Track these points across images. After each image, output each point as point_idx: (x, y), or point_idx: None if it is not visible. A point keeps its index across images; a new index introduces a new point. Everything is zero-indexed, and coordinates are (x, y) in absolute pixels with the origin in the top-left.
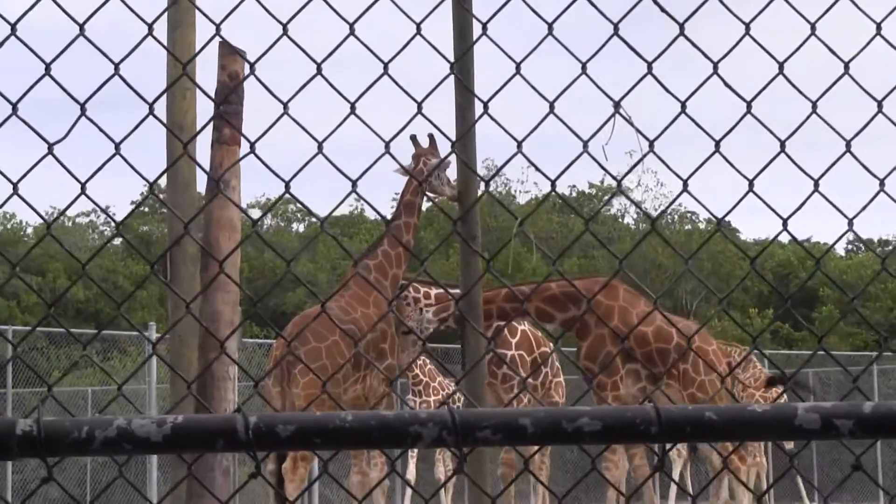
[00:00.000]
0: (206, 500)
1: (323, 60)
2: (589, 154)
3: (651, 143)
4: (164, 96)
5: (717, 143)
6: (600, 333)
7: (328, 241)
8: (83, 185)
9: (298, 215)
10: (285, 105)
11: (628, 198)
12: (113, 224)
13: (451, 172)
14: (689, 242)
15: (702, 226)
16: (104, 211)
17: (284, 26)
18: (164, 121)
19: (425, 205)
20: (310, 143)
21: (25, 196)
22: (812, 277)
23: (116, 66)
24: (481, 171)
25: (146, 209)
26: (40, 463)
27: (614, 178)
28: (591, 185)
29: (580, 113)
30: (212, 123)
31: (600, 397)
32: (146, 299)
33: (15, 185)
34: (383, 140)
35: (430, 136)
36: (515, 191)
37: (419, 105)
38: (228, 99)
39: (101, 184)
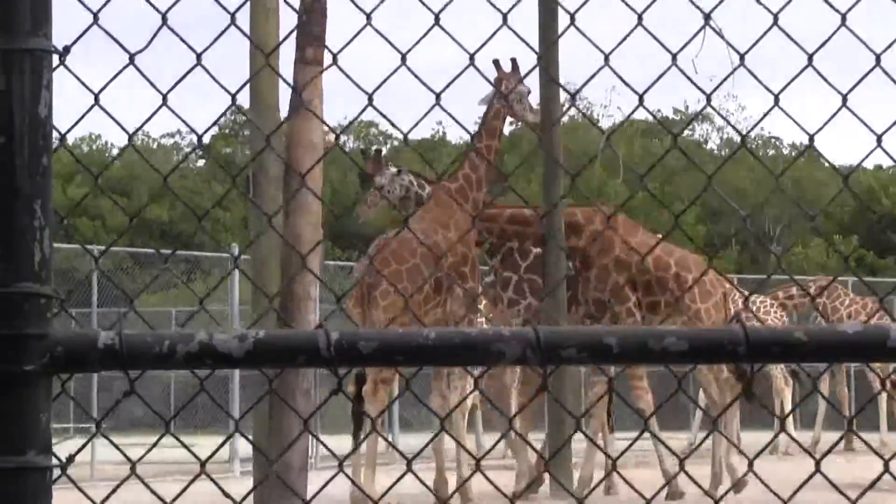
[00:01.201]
0: (287, 420)
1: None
2: (678, 67)
3: (742, 57)
4: (248, 18)
5: (811, 57)
6: (604, 263)
7: (409, 161)
8: (164, 96)
9: (380, 138)
10: (368, 16)
11: (718, 113)
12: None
13: (533, 99)
14: (774, 168)
15: (785, 151)
16: (186, 123)
17: None
18: (248, 41)
19: (507, 128)
20: (391, 65)
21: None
22: None
23: None
24: (562, 95)
25: (228, 131)
26: (125, 381)
27: (703, 91)
28: (676, 111)
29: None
30: (295, 43)
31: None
32: (229, 221)
33: (96, 96)
34: (468, 52)
35: (513, 60)
36: (598, 115)
37: (505, 16)
38: (311, 19)
39: (185, 106)
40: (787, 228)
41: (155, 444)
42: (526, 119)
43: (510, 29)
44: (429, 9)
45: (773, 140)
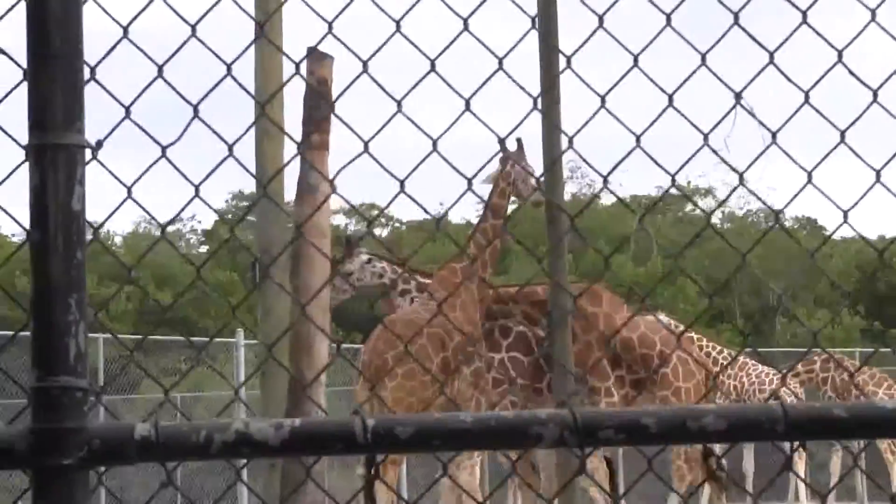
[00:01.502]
0: (300, 501)
1: (436, 57)
2: (710, 147)
3: (774, 135)
4: (253, 103)
5: (843, 134)
6: (587, 340)
7: (412, 245)
8: (197, 188)
9: (382, 220)
10: (399, 103)
11: (751, 191)
12: (199, 232)
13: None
14: (778, 241)
15: (787, 223)
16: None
17: (398, 23)
18: (254, 128)
19: (510, 208)
20: (380, 145)
21: (112, 202)
22: None
23: (229, 66)
24: (565, 172)
25: (231, 216)
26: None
27: (735, 170)
28: (679, 187)
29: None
30: (301, 130)
31: (594, 403)
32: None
33: (129, 189)
34: (431, 138)
35: (518, 140)
36: (601, 192)
37: (466, 101)
38: (317, 104)
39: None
40: (793, 300)
41: None
42: (529, 198)
43: (473, 114)
44: (459, 94)
45: (776, 214)
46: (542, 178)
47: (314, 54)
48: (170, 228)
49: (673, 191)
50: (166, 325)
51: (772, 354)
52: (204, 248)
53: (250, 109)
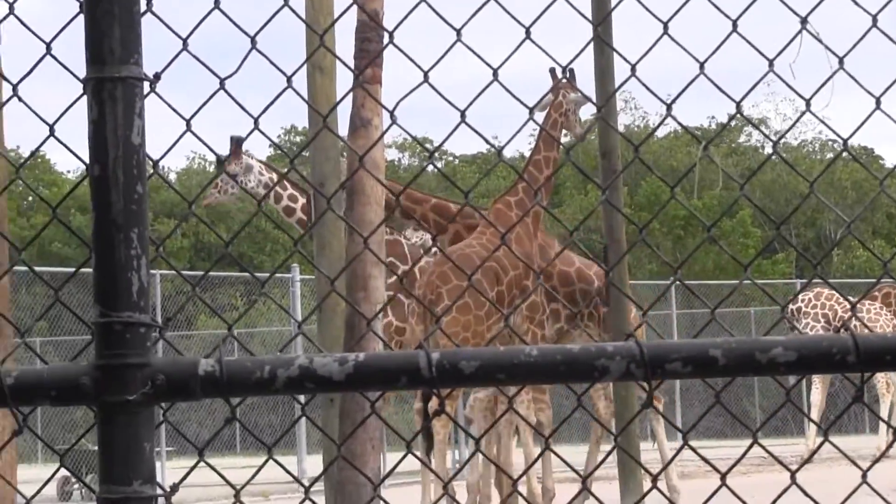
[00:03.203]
0: (358, 437)
1: None
2: (775, 73)
3: (841, 60)
4: (304, 40)
5: None
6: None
7: (466, 178)
8: (256, 120)
9: (436, 154)
10: (458, 31)
11: (819, 118)
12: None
13: (585, 111)
14: (833, 171)
15: (845, 154)
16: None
17: None
18: (305, 61)
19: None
20: (435, 77)
21: (166, 137)
22: None
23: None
24: (619, 103)
25: (286, 151)
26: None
27: (802, 97)
28: (730, 116)
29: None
30: (352, 62)
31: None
32: (289, 242)
33: (188, 122)
34: (491, 67)
35: (570, 70)
36: (653, 124)
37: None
38: (369, 37)
39: (236, 127)
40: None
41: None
42: (573, 131)
43: (534, 43)
44: (520, 23)
45: (830, 143)
46: (597, 110)
47: None
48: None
49: (725, 121)
50: (222, 261)
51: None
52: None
53: (296, 44)
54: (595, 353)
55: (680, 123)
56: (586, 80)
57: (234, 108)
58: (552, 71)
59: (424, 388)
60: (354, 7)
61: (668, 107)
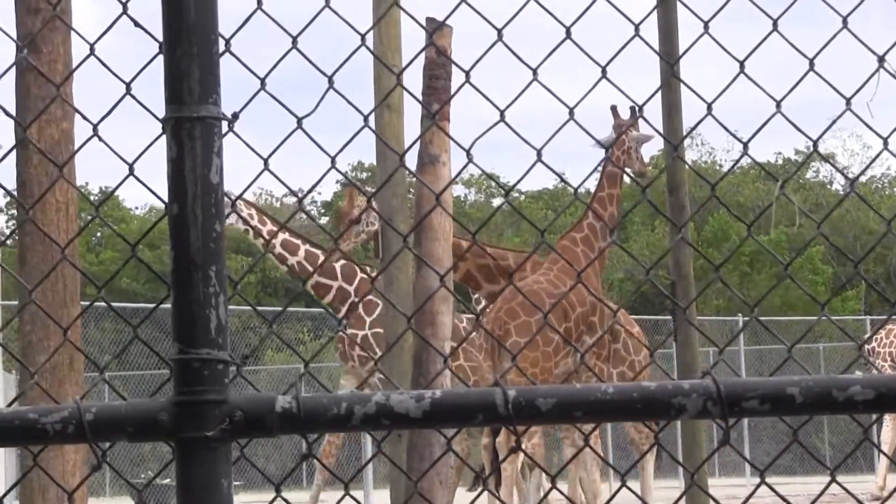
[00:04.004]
0: (426, 473)
1: (572, 24)
2: (852, 112)
3: None
4: (372, 75)
5: None
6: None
7: (534, 214)
8: (333, 159)
9: (502, 190)
10: (534, 70)
11: (827, 160)
12: (319, 203)
13: (646, 149)
14: None
15: None
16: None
17: None
18: (373, 98)
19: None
20: (488, 115)
21: (238, 174)
22: None
23: (363, 36)
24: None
25: (358, 187)
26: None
27: (880, 136)
28: (797, 152)
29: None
30: (420, 99)
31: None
32: None
33: (266, 161)
34: (567, 106)
35: (632, 108)
36: (721, 160)
37: (603, 69)
38: (436, 74)
39: (305, 163)
40: None
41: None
42: (633, 168)
43: (609, 81)
44: (598, 61)
45: None
46: (662, 147)
47: (433, 24)
48: (289, 200)
49: (794, 157)
50: (288, 297)
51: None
52: (323, 220)
53: (356, 79)
54: (671, 391)
55: (756, 162)
56: (653, 116)
57: (299, 145)
58: (613, 108)
59: (501, 424)
60: (421, 43)
61: (745, 145)
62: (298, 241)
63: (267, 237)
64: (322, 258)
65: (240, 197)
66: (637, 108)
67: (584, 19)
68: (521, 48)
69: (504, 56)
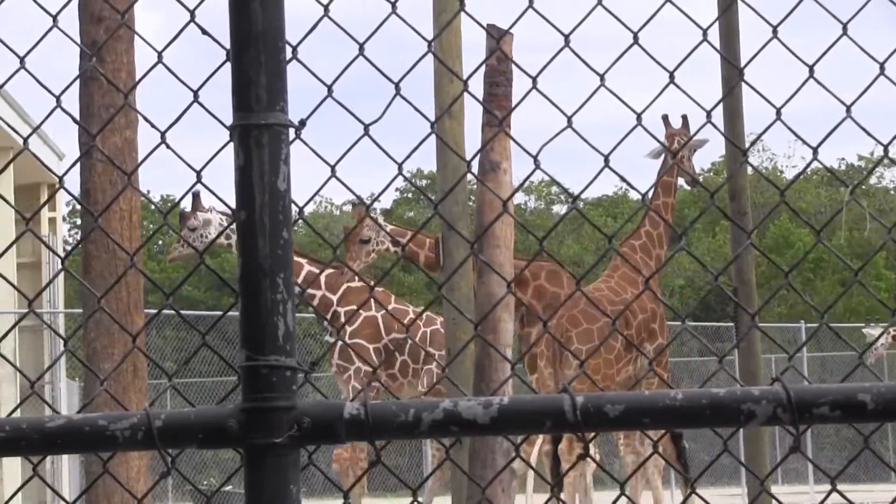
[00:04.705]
0: (488, 480)
1: (639, 30)
2: None
3: None
4: (433, 80)
5: None
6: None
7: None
8: (400, 165)
9: (562, 197)
10: (602, 76)
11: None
12: (378, 210)
13: (706, 154)
14: None
15: None
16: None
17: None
18: (432, 106)
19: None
20: (558, 121)
21: (301, 182)
22: None
23: (430, 42)
24: (746, 145)
25: (410, 195)
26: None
27: None
28: (861, 157)
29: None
30: (482, 106)
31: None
32: (415, 284)
33: (333, 168)
34: (634, 111)
35: (684, 117)
36: (782, 166)
37: (671, 74)
38: (497, 81)
39: (366, 172)
40: None
41: None
42: (687, 177)
43: (677, 86)
44: (594, 70)
45: None
46: (724, 153)
47: (494, 31)
48: (349, 209)
49: (857, 162)
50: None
51: None
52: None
53: (416, 90)
54: (741, 397)
55: (828, 168)
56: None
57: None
58: (664, 118)
59: (568, 431)
60: (477, 51)
61: (815, 150)
62: (303, 261)
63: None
64: (319, 274)
65: (306, 204)
66: (683, 117)
67: (632, 25)
68: (572, 55)
69: (555, 63)
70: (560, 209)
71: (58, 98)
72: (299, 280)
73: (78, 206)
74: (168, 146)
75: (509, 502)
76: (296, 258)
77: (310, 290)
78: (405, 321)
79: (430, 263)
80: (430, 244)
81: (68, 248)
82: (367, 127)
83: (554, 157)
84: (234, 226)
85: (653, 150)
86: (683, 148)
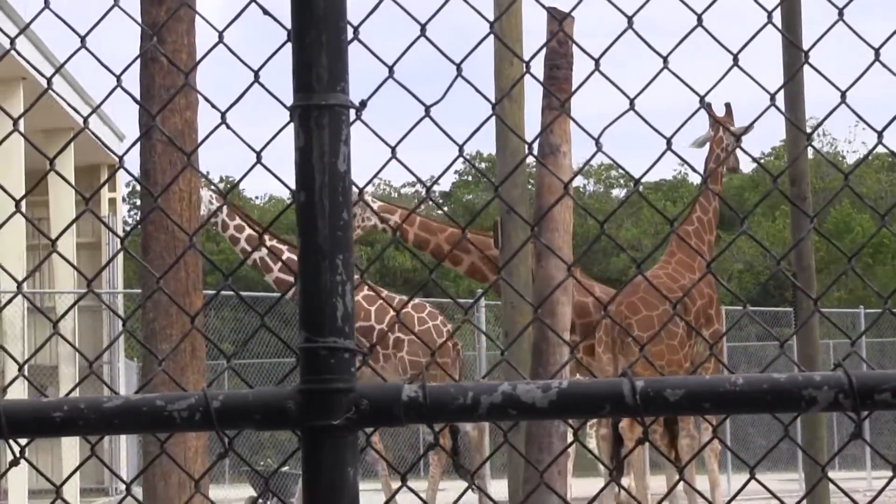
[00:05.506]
0: (545, 464)
1: (703, 11)
2: None
3: None
4: (493, 63)
5: None
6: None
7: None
8: (461, 147)
9: (621, 181)
10: (665, 59)
11: None
12: (437, 193)
13: (768, 139)
14: None
15: None
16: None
17: None
18: (492, 88)
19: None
20: (615, 105)
21: (362, 163)
22: None
23: (492, 24)
24: (807, 130)
25: (469, 178)
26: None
27: None
28: None
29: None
30: (542, 89)
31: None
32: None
33: (393, 150)
34: (698, 94)
35: (727, 105)
36: (843, 151)
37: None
38: (558, 64)
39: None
40: None
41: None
42: (727, 164)
43: (741, 69)
44: (657, 52)
45: None
46: (784, 137)
47: (555, 14)
48: (408, 191)
49: None
50: (406, 287)
51: None
52: (439, 211)
53: (476, 73)
54: (802, 383)
55: (893, 152)
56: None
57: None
58: (708, 106)
59: (628, 416)
60: (536, 34)
61: (880, 134)
62: (283, 247)
63: (248, 246)
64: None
65: (367, 185)
66: (727, 106)
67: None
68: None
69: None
70: (619, 193)
71: (118, 78)
72: (278, 267)
73: (137, 187)
74: (228, 126)
75: (565, 485)
76: (277, 244)
77: (283, 277)
78: (374, 308)
79: (438, 251)
80: (448, 235)
81: (128, 228)
82: (427, 108)
83: (611, 141)
84: (261, 249)
85: (697, 139)
86: (725, 137)
